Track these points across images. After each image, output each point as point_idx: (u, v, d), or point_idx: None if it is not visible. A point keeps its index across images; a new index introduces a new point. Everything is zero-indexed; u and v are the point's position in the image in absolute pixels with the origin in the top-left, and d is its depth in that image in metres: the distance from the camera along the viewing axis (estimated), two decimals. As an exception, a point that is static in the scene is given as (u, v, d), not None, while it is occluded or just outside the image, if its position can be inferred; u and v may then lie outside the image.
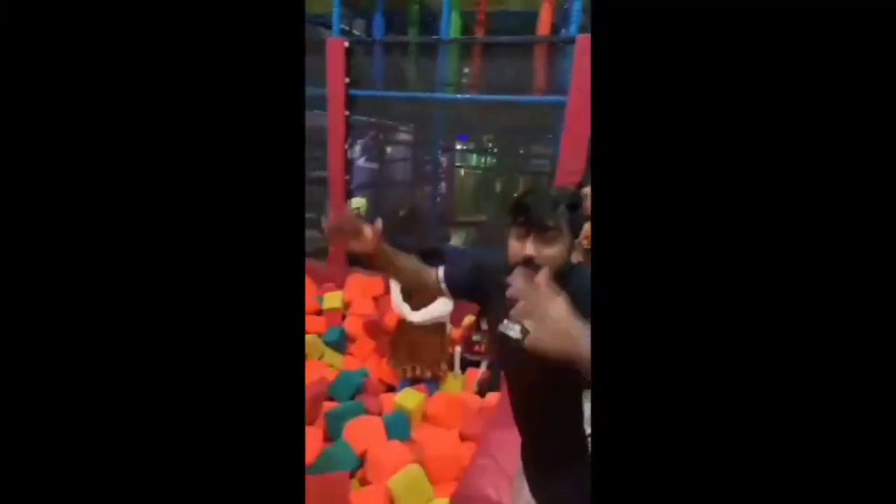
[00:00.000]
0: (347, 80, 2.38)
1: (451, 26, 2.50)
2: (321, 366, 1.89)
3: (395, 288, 1.91)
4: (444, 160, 3.52)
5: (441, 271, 0.93)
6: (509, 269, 0.75)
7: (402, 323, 1.89)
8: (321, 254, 2.91)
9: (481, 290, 0.89)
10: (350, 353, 2.02)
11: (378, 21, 2.72)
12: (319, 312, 2.18)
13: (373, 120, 3.39)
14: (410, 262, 0.93)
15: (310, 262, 2.66)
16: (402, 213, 3.69)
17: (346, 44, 2.35)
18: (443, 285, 0.92)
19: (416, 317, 1.84)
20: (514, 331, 0.80)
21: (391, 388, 1.85)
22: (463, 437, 1.47)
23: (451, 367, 1.98)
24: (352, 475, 1.28)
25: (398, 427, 1.43)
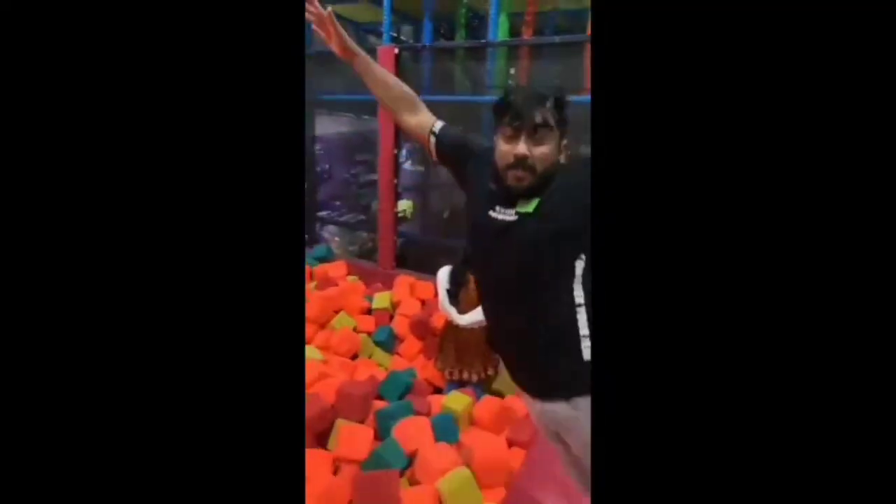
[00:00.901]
0: (397, 86, 2.43)
1: (498, 29, 2.49)
2: (371, 365, 1.95)
3: (442, 291, 1.93)
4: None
5: (440, 124, 0.91)
6: (499, 171, 0.76)
7: (449, 325, 1.91)
8: (370, 254, 3.00)
9: (462, 162, 0.87)
10: (398, 353, 2.06)
11: (427, 27, 2.76)
12: (369, 312, 2.25)
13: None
14: (395, 82, 0.91)
15: (359, 263, 2.75)
16: (445, 214, 3.72)
17: (396, 51, 2.40)
18: (433, 139, 0.89)
19: (464, 320, 1.85)
20: (507, 214, 0.77)
21: (438, 390, 1.87)
22: (511, 443, 1.46)
23: (497, 371, 1.97)
24: (401, 474, 1.31)
25: (446, 429, 1.45)
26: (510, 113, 0.73)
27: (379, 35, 3.94)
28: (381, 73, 0.92)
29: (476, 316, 1.89)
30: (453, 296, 1.91)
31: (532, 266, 0.76)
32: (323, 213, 3.39)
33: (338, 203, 3.66)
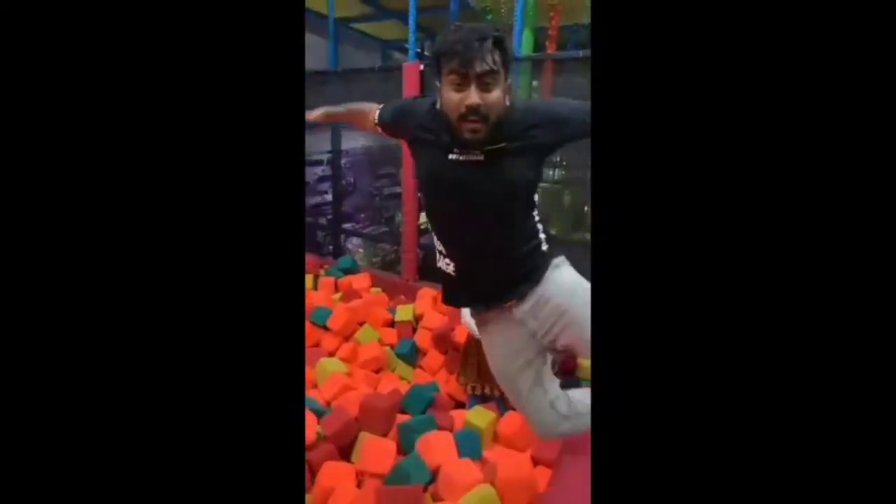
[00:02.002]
0: (422, 101, 2.48)
1: (523, 43, 2.51)
2: (394, 378, 1.95)
3: (465, 312, 1.93)
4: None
5: (377, 111, 0.95)
6: (451, 123, 0.75)
7: (471, 340, 1.90)
8: (393, 266, 3.02)
9: (409, 128, 0.86)
10: (420, 367, 2.06)
11: (451, 43, 2.81)
12: (392, 324, 2.26)
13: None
14: (350, 107, 1.01)
15: (382, 274, 2.77)
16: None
17: (421, 67, 2.45)
18: (377, 122, 0.93)
19: (487, 334, 1.84)
20: (472, 155, 0.77)
21: (460, 404, 1.85)
22: (536, 461, 1.44)
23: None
24: (424, 489, 1.30)
25: (469, 445, 1.44)
26: (457, 59, 0.70)
27: (404, 52, 4.03)
28: (337, 111, 1.07)
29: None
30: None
31: (510, 198, 0.81)
32: (347, 225, 3.45)
33: (362, 215, 3.72)
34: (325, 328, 2.14)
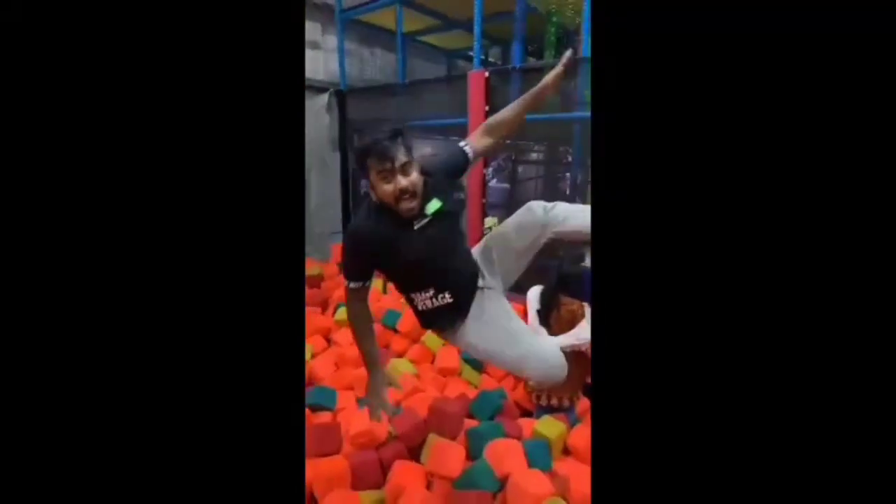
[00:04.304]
0: (487, 107, 2.49)
1: (590, 45, 2.44)
2: (462, 383, 1.97)
3: (532, 311, 1.90)
4: (579, 177, 3.43)
5: (349, 294, 1.10)
6: (391, 206, 0.97)
7: (540, 347, 1.87)
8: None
9: (375, 252, 1.03)
10: (486, 373, 2.06)
11: (516, 49, 2.80)
12: (457, 329, 2.28)
13: (507, 142, 3.48)
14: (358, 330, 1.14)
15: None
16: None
17: (486, 74, 2.47)
18: (354, 289, 1.08)
19: (554, 342, 1.80)
20: (422, 220, 1.02)
21: (527, 413, 1.83)
22: (609, 478, 1.38)
23: (588, 396, 1.88)
24: (493, 496, 1.30)
25: (539, 455, 1.41)
26: (378, 159, 0.95)
27: (469, 59, 4.08)
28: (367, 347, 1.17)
29: (567, 339, 1.83)
30: (543, 317, 1.87)
31: (457, 237, 1.12)
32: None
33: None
34: (395, 330, 2.22)
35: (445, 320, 1.11)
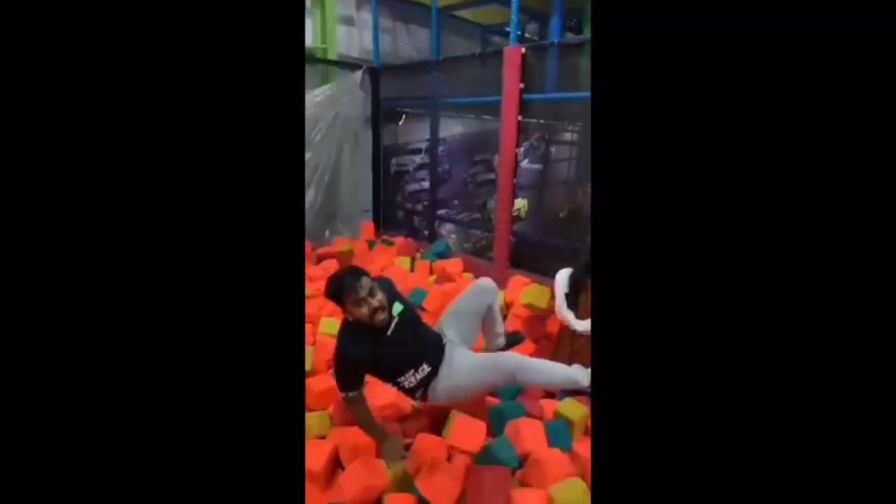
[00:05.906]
0: (522, 85, 2.43)
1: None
2: (484, 361, 1.99)
3: (560, 295, 1.88)
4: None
5: (344, 397, 1.40)
6: (367, 322, 1.31)
7: (565, 331, 1.86)
8: (483, 252, 3.04)
9: (364, 362, 1.35)
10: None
11: (555, 23, 2.70)
12: (482, 309, 2.29)
13: (541, 122, 3.39)
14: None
15: (474, 260, 2.82)
16: (562, 213, 3.59)
17: (523, 50, 2.39)
18: (350, 395, 1.36)
19: (581, 326, 1.79)
20: (392, 323, 1.38)
21: (549, 394, 1.83)
22: (630, 462, 1.37)
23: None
24: (513, 472, 1.33)
25: (560, 435, 1.42)
26: (346, 294, 1.29)
27: (505, 35, 3.96)
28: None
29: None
30: (571, 300, 1.86)
31: (418, 323, 1.49)
32: (441, 212, 3.55)
33: (455, 202, 3.79)
34: (423, 308, 2.26)
35: (426, 385, 1.42)
